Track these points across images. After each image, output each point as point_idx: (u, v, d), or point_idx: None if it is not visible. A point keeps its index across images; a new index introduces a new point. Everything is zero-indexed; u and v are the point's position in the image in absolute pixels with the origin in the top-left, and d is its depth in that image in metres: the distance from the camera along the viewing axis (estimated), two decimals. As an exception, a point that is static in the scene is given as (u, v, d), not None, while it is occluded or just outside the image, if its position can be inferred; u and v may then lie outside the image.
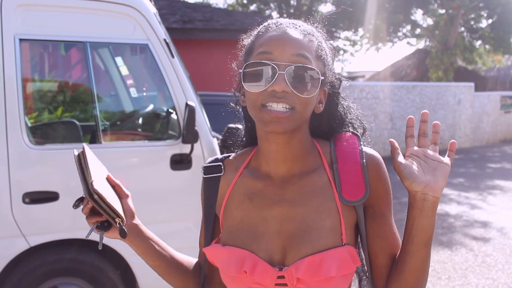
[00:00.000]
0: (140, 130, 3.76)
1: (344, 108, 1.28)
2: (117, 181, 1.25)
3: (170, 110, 3.36)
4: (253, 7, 22.92)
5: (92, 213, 1.21)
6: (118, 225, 1.20)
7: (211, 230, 1.29)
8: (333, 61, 1.24)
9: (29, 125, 3.49)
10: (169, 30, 4.14)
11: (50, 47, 4.51)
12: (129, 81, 4.34)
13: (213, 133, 3.49)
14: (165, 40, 3.26)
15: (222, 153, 1.36)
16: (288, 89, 1.08)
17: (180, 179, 3.28)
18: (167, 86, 3.26)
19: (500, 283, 4.74)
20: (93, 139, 3.40)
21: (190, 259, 1.37)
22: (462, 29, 20.38)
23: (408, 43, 25.37)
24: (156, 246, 1.29)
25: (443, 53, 18.80)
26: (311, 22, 1.24)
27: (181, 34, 10.23)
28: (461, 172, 11.05)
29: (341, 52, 24.36)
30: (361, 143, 1.22)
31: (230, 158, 1.30)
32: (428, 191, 1.08)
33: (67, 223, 3.10)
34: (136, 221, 1.27)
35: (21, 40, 2.97)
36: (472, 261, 5.36)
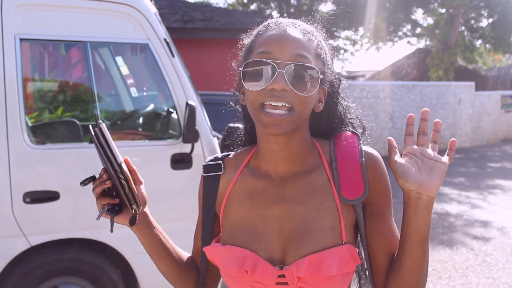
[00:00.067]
0: (140, 129, 3.76)
1: (343, 107, 1.28)
2: (134, 167, 1.23)
3: (171, 110, 3.36)
4: (253, 7, 22.92)
5: (102, 194, 1.19)
6: (133, 212, 1.18)
7: (210, 229, 1.29)
8: (332, 60, 1.24)
9: (30, 124, 3.49)
10: (169, 29, 4.14)
11: (50, 47, 4.51)
12: (130, 81, 4.35)
13: (213, 132, 3.49)
14: (165, 39, 3.26)
15: (222, 152, 1.36)
16: (287, 87, 1.08)
17: (180, 178, 3.28)
18: (168, 86, 3.26)
19: (501, 283, 4.74)
20: (94, 139, 3.39)
21: (187, 254, 1.37)
22: (463, 28, 20.37)
23: (408, 42, 25.37)
24: (161, 238, 1.28)
25: (443, 52, 18.79)
26: (311, 22, 1.25)
27: (181, 34, 10.24)
28: (462, 172, 11.04)
29: (342, 51, 24.37)
30: (361, 142, 1.22)
31: (230, 156, 1.30)
32: (422, 190, 1.07)
33: (68, 222, 3.11)
34: (146, 209, 1.26)
35: (21, 39, 2.97)
36: (472, 260, 5.36)
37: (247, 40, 1.24)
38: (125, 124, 3.86)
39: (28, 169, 3.00)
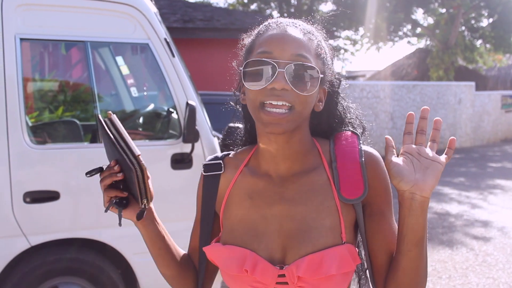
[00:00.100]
0: (140, 129, 3.76)
1: (343, 107, 1.29)
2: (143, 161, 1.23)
3: (171, 110, 3.36)
4: (253, 7, 22.91)
5: (109, 187, 1.17)
6: (142, 206, 1.16)
7: (209, 228, 1.28)
8: (332, 60, 1.24)
9: (30, 124, 3.49)
10: (169, 29, 4.14)
11: (50, 47, 4.50)
12: (130, 81, 4.34)
13: (213, 132, 3.49)
14: (165, 39, 3.26)
15: (222, 152, 1.35)
16: (288, 86, 1.09)
17: (180, 178, 3.28)
18: (168, 86, 3.26)
19: (501, 283, 4.74)
20: (94, 139, 3.40)
21: (184, 252, 1.36)
22: (463, 28, 20.36)
23: (408, 42, 25.34)
24: (164, 235, 1.28)
25: (443, 52, 18.78)
26: (311, 22, 1.25)
27: (181, 34, 10.24)
28: (462, 172, 11.04)
29: (342, 51, 24.37)
30: (361, 142, 1.22)
31: (230, 156, 1.31)
32: (415, 190, 1.06)
33: (68, 222, 3.11)
34: (151, 205, 1.25)
35: (21, 39, 2.97)
36: (472, 260, 5.36)
37: (247, 40, 1.24)
38: (125, 124, 3.85)
39: (28, 169, 3.00)
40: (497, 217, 7.11)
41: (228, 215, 1.24)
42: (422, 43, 24.38)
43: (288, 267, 1.13)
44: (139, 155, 1.11)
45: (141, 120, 3.84)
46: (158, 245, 1.26)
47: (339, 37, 22.73)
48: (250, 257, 1.15)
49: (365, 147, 1.21)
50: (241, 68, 1.15)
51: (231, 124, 3.47)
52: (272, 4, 22.69)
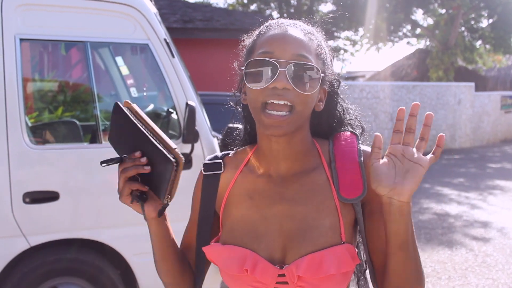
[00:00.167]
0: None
1: (343, 108, 1.30)
2: None
3: (171, 110, 3.36)
4: (253, 7, 22.92)
5: (130, 179, 1.12)
6: (165, 202, 1.11)
7: (208, 228, 1.28)
8: (332, 61, 1.25)
9: (30, 124, 3.49)
10: (169, 29, 4.14)
11: (50, 47, 4.51)
12: (130, 81, 4.35)
13: (213, 133, 3.49)
14: (165, 39, 3.26)
15: (222, 152, 1.35)
16: (289, 86, 1.09)
17: (180, 178, 3.28)
18: (167, 86, 3.26)
19: (500, 283, 4.74)
20: (94, 139, 3.40)
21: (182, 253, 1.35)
22: (463, 29, 20.37)
23: (408, 43, 25.37)
24: (171, 233, 1.26)
25: (443, 53, 18.79)
26: (311, 23, 1.26)
27: (181, 34, 10.24)
28: (462, 172, 11.05)
29: (342, 51, 24.37)
30: (360, 142, 1.23)
31: (230, 155, 1.31)
32: (393, 195, 1.02)
33: (68, 223, 3.11)
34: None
35: (21, 40, 2.97)
36: (472, 261, 5.36)
37: (248, 40, 1.25)
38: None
39: (28, 169, 3.00)
40: (497, 218, 7.11)
41: (228, 215, 1.24)
42: (422, 44, 24.40)
43: (288, 266, 1.13)
44: (175, 149, 1.07)
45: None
46: (166, 243, 1.24)
47: (339, 37, 22.75)
48: (250, 257, 1.15)
49: (364, 147, 1.21)
50: (243, 68, 1.16)
51: (231, 125, 3.47)
52: (272, 5, 22.70)
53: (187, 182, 3.43)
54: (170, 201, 1.12)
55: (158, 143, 1.07)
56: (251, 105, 1.15)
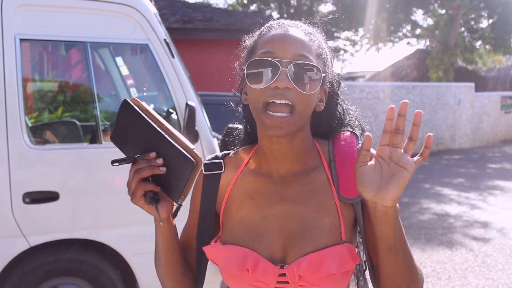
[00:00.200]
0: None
1: (343, 108, 1.30)
2: None
3: (170, 110, 3.36)
4: (253, 7, 22.93)
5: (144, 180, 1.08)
6: (179, 203, 1.09)
7: (209, 227, 1.27)
8: (332, 62, 1.25)
9: (30, 125, 3.49)
10: (169, 30, 4.14)
11: (50, 47, 4.51)
12: (130, 81, 4.35)
13: (213, 133, 3.49)
14: (165, 40, 3.26)
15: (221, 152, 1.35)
16: (290, 85, 1.10)
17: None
18: (167, 86, 3.26)
19: (500, 284, 4.74)
20: (94, 139, 3.40)
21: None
22: (462, 29, 20.38)
23: (408, 43, 25.38)
24: (178, 235, 1.25)
25: (443, 53, 18.80)
26: (311, 24, 1.27)
27: (181, 34, 10.24)
28: (461, 172, 11.05)
29: (341, 52, 24.37)
30: (359, 142, 1.23)
31: (230, 155, 1.31)
32: (377, 200, 1.00)
33: (67, 223, 3.11)
34: None
35: (21, 40, 2.97)
36: (472, 261, 5.36)
37: (249, 41, 1.25)
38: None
39: (28, 169, 3.00)
40: (497, 218, 7.11)
41: (228, 215, 1.24)
42: (422, 44, 24.41)
43: (288, 266, 1.14)
44: (193, 149, 1.05)
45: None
46: (174, 244, 1.22)
47: (339, 38, 22.74)
48: (251, 256, 1.16)
49: None
50: (244, 67, 1.16)
51: (231, 125, 3.48)
52: (272, 5, 22.71)
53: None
54: (183, 201, 1.10)
55: (176, 143, 1.05)
56: (252, 105, 1.15)
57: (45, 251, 3.05)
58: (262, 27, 1.24)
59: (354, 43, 24.38)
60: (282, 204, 1.19)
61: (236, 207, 1.23)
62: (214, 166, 1.28)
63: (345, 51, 24.92)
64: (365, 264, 1.24)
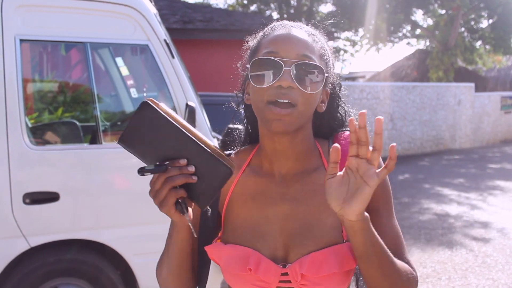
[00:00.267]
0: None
1: (344, 110, 1.31)
2: None
3: (171, 110, 3.36)
4: (253, 8, 22.93)
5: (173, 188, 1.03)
6: (205, 209, 1.07)
7: (210, 227, 1.27)
8: (334, 64, 1.26)
9: (30, 125, 3.49)
10: (169, 30, 4.15)
11: (50, 48, 4.51)
12: (130, 82, 4.35)
13: (213, 133, 3.49)
14: (165, 40, 3.26)
15: (222, 152, 1.34)
16: (293, 84, 1.11)
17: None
18: (167, 87, 3.26)
19: (500, 284, 4.74)
20: (94, 140, 3.40)
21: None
22: (463, 29, 20.38)
23: (408, 43, 25.38)
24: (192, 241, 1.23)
25: (443, 53, 18.80)
26: (313, 26, 1.28)
27: (181, 35, 10.24)
28: (462, 173, 11.05)
29: (342, 52, 24.37)
30: None
31: (231, 156, 1.31)
32: (342, 213, 1.00)
33: (68, 223, 3.11)
34: None
35: (21, 40, 2.97)
36: (472, 261, 5.36)
37: (252, 41, 1.26)
38: (125, 125, 3.84)
39: (28, 170, 3.00)
40: (497, 218, 7.11)
41: (230, 215, 1.24)
42: (422, 44, 24.42)
43: (291, 265, 1.14)
44: (230, 155, 1.05)
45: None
46: (188, 249, 1.20)
47: (339, 38, 22.76)
48: (253, 256, 1.16)
49: None
50: (248, 66, 1.17)
51: (231, 125, 3.47)
52: (272, 5, 22.70)
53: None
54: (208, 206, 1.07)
55: (209, 149, 1.01)
56: (255, 104, 1.16)
57: (45, 251, 3.05)
58: (266, 28, 1.25)
59: (354, 43, 24.40)
60: (283, 203, 1.20)
61: (238, 207, 1.24)
62: None
63: (345, 51, 24.94)
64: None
